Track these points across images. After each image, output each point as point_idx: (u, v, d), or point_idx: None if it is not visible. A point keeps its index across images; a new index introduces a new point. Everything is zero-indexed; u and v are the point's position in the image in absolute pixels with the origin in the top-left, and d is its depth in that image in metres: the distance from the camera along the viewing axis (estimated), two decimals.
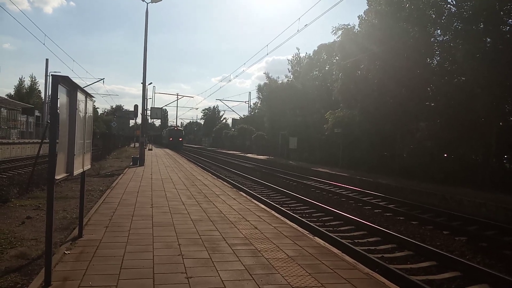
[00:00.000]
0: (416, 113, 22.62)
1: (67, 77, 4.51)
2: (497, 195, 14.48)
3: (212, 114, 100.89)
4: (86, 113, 5.83)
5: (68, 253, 5.34)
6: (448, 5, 21.48)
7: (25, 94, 65.18)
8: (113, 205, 9.21)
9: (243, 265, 5.13)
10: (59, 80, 4.26)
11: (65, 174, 4.88)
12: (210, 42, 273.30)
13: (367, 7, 26.18)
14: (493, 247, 8.59)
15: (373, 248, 8.18)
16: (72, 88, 4.94)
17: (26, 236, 6.56)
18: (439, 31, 22.45)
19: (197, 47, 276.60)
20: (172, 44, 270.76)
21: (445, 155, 22.46)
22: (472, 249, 8.40)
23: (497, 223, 10.70)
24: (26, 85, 68.90)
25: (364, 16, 26.39)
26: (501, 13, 18.74)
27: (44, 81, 51.47)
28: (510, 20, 19.31)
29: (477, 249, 8.45)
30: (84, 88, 5.55)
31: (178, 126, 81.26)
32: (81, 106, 5.38)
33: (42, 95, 60.02)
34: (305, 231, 7.48)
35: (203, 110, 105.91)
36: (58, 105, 4.34)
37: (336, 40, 29.80)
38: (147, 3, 23.25)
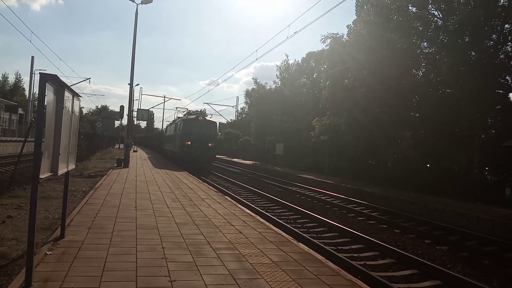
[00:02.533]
0: (402, 122, 22.94)
1: (55, 75, 4.46)
2: (478, 205, 14.74)
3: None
4: (72, 112, 5.77)
5: (50, 254, 5.26)
6: (435, 18, 21.93)
7: (8, 91, 64.23)
8: (96, 207, 9.10)
9: (227, 270, 5.12)
10: (47, 79, 4.22)
11: (50, 174, 4.82)
12: (199, 46, 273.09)
13: (356, 17, 26.58)
14: (473, 257, 8.73)
15: (356, 255, 8.24)
16: (60, 87, 4.89)
17: (6, 236, 6.44)
18: (425, 43, 22.89)
19: (186, 51, 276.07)
20: (161, 46, 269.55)
21: (428, 165, 22.80)
22: (452, 258, 8.52)
23: (477, 233, 10.89)
24: (10, 82, 67.84)
25: (352, 25, 26.74)
26: (486, 28, 19.19)
27: (29, 79, 50.67)
28: (494, 35, 19.80)
29: (457, 258, 8.59)
30: (70, 87, 5.50)
31: (206, 115, 35.73)
32: (67, 105, 5.33)
33: (26, 93, 59.19)
34: (289, 236, 7.50)
35: None
36: (45, 104, 4.30)
37: (325, 48, 30.09)
38: (137, 4, 23.13)
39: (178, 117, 36.76)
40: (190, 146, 26.98)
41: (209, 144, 27.51)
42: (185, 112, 36.34)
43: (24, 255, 4.89)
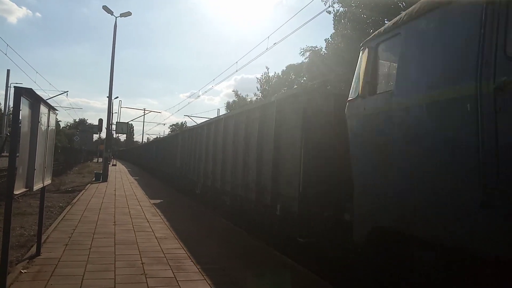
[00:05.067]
0: None
1: (30, 89, 4.40)
2: None
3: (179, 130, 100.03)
4: (48, 126, 5.68)
5: (25, 272, 5.10)
6: None
7: None
8: (74, 222, 8.90)
9: (209, 285, 5.06)
10: (21, 92, 4.16)
11: (25, 189, 4.71)
12: (179, 58, 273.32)
13: (334, 30, 27.13)
14: None
15: None
16: (35, 100, 4.81)
17: None
18: None
19: (166, 63, 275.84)
20: (140, 58, 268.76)
21: None
22: None
23: None
24: None
25: (330, 39, 27.30)
26: None
27: (4, 92, 49.65)
28: None
29: None
30: (47, 101, 5.42)
31: None
32: (43, 119, 5.24)
33: (2, 106, 57.94)
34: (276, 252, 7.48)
35: (170, 125, 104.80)
36: (20, 118, 4.22)
37: (304, 61, 30.58)
38: (116, 17, 23.08)
39: None
40: None
41: None
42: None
43: None
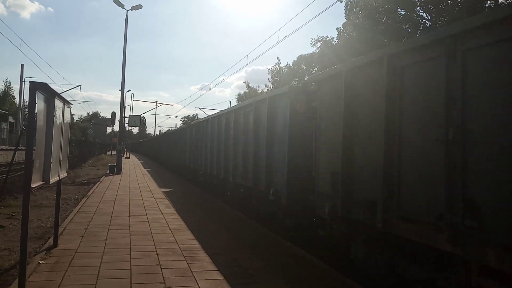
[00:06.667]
0: None
1: (46, 84, 4.45)
2: None
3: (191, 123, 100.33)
4: (63, 120, 5.74)
5: (43, 263, 5.22)
6: (424, 20, 22.20)
7: None
8: (89, 214, 9.04)
9: (222, 275, 5.11)
10: (37, 87, 4.21)
11: (41, 182, 4.79)
12: (190, 51, 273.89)
13: (345, 20, 26.81)
14: None
15: None
16: (50, 95, 4.87)
17: None
18: None
19: (177, 56, 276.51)
20: (151, 52, 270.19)
21: None
22: None
23: None
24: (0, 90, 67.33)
25: (342, 28, 27.00)
26: None
27: (19, 87, 50.26)
28: None
29: None
30: (61, 95, 5.48)
31: None
32: (58, 113, 5.30)
33: (17, 100, 58.76)
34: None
35: (182, 118, 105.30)
36: (35, 112, 4.29)
37: (315, 51, 30.32)
38: (127, 10, 23.16)
39: None
40: None
41: None
42: None
43: (17, 265, 4.83)
